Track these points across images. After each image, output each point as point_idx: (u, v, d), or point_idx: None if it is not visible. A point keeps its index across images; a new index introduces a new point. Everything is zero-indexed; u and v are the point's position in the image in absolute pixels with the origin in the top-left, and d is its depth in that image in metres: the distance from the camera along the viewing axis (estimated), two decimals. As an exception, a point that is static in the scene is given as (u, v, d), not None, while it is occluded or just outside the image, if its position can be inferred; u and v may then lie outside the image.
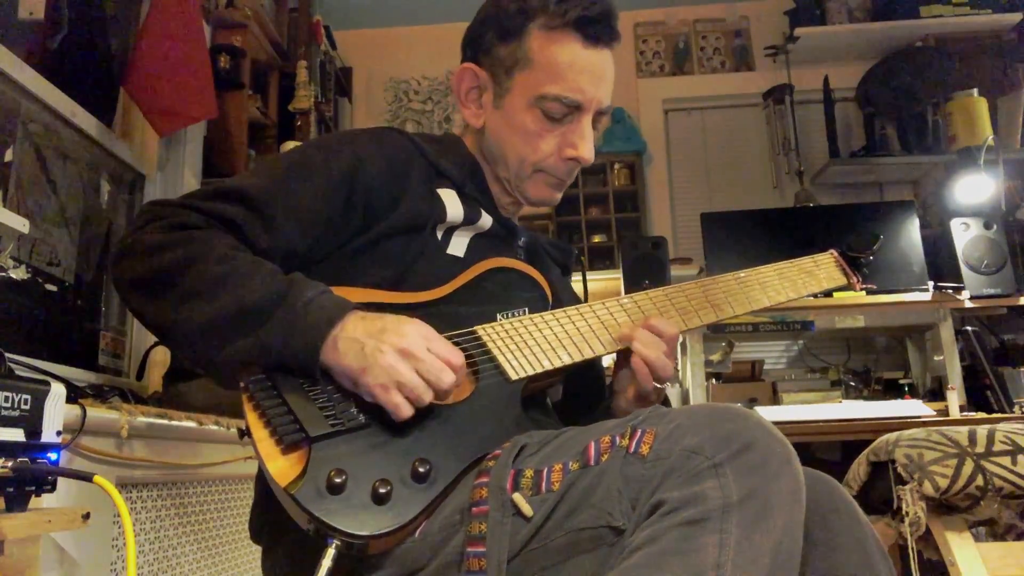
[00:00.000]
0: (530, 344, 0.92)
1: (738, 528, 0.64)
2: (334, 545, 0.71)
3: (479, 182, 1.04)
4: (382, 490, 0.73)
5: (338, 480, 0.72)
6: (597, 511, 0.70)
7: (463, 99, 1.05)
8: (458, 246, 0.99)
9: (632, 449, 0.71)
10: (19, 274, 1.61)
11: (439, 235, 0.98)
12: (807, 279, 1.16)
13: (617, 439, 0.73)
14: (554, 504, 0.72)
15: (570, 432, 0.80)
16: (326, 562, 0.71)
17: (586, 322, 0.97)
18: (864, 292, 1.21)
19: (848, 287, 1.21)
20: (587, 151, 0.99)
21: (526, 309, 0.97)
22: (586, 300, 1.14)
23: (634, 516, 0.68)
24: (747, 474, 0.66)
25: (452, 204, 0.99)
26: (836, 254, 1.22)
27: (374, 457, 0.77)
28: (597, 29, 0.97)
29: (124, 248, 0.85)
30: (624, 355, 0.98)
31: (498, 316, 0.94)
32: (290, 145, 2.60)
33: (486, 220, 1.02)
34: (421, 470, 0.76)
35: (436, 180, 1.00)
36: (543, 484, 0.74)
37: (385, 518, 0.73)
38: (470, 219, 1.00)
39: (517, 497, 0.74)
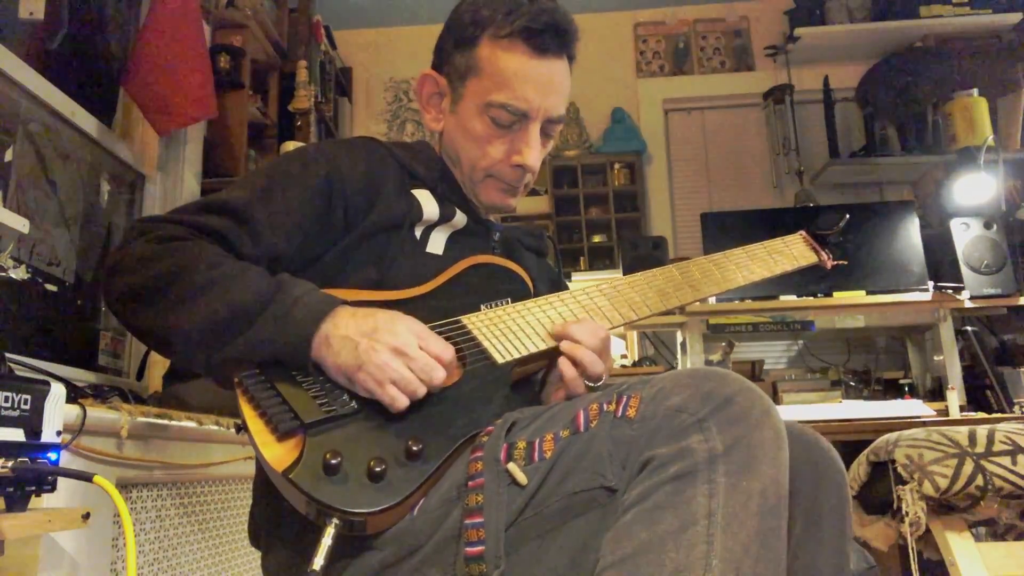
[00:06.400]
0: (514, 329, 0.95)
1: (725, 477, 0.67)
2: (333, 524, 0.73)
3: (450, 183, 1.07)
4: (377, 468, 0.75)
5: (334, 461, 0.73)
6: (589, 473, 0.73)
7: (424, 104, 1.10)
8: (436, 244, 1.02)
9: (619, 413, 0.74)
10: (19, 274, 1.61)
11: (417, 234, 1.01)
12: (778, 258, 1.21)
13: (604, 405, 0.76)
14: (547, 471, 0.75)
15: (558, 406, 0.83)
16: (326, 540, 0.72)
17: (568, 307, 1.00)
18: (834, 268, 1.27)
19: (820, 264, 1.25)
20: (532, 158, 1.02)
21: (509, 300, 1.01)
22: (559, 270, 1.20)
23: (624, 475, 0.71)
24: (730, 426, 0.69)
25: (427, 203, 1.03)
26: (804, 234, 1.27)
27: (368, 439, 0.79)
28: (544, 40, 0.99)
29: (113, 264, 0.87)
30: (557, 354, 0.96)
31: (482, 307, 0.98)
32: (290, 145, 2.61)
33: (461, 218, 1.06)
34: (415, 449, 0.78)
35: (410, 182, 1.04)
36: (536, 453, 0.77)
37: (382, 495, 0.75)
38: (446, 217, 1.04)
39: (512, 467, 0.76)
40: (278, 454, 0.75)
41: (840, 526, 0.82)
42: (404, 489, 0.76)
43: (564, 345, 0.92)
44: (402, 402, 0.79)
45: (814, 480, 0.81)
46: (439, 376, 0.81)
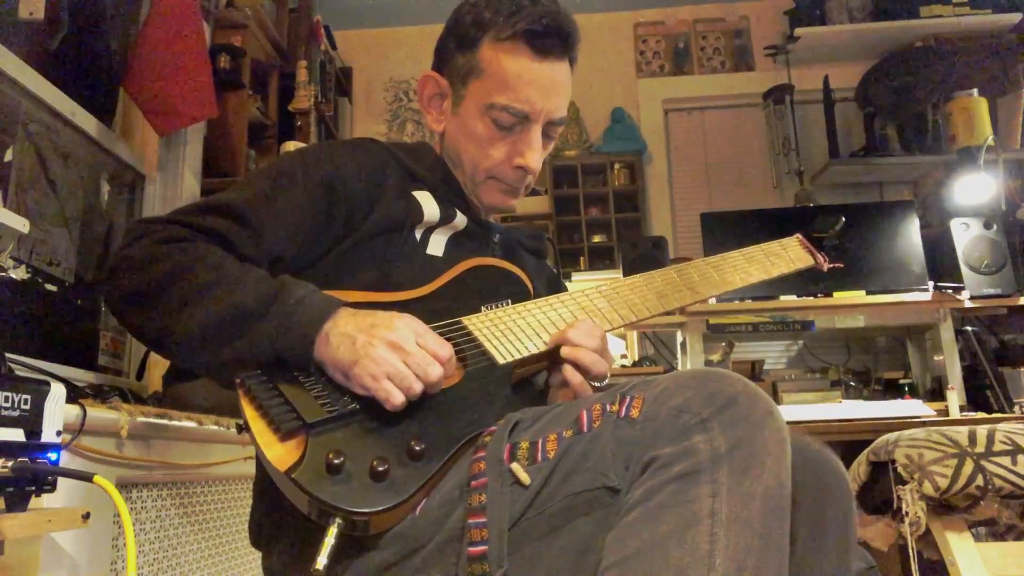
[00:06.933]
0: (514, 330, 0.95)
1: (728, 477, 0.66)
2: (336, 524, 0.73)
3: (451, 184, 1.07)
4: (380, 468, 0.75)
5: (336, 461, 0.73)
6: (592, 474, 0.73)
7: (426, 105, 1.10)
8: (436, 246, 1.02)
9: (622, 414, 0.74)
10: (19, 274, 1.61)
11: (418, 236, 1.01)
12: (775, 261, 1.21)
13: (607, 406, 0.76)
14: (550, 471, 0.75)
15: (562, 406, 0.83)
16: (329, 540, 0.72)
17: (567, 308, 1.01)
18: (831, 271, 1.27)
19: (816, 267, 1.26)
20: (533, 161, 1.03)
21: (509, 301, 1.01)
22: (558, 272, 1.20)
23: (627, 475, 0.71)
24: (733, 426, 0.69)
25: (428, 205, 1.02)
26: (801, 237, 1.28)
27: (370, 439, 0.79)
28: (546, 42, 0.99)
29: (114, 266, 0.87)
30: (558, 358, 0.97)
31: (482, 308, 0.98)
32: (290, 145, 2.61)
33: (461, 219, 1.05)
34: (417, 448, 0.78)
35: (411, 183, 1.04)
36: (539, 453, 0.77)
37: (384, 495, 0.74)
38: (446, 218, 1.04)
39: (515, 467, 0.76)
40: (280, 454, 0.75)
41: (844, 540, 0.82)
42: (407, 489, 0.76)
43: (565, 350, 0.92)
44: (397, 398, 0.78)
45: (819, 492, 0.81)
46: (435, 372, 0.80)
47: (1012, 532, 1.48)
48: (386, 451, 0.77)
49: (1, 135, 1.61)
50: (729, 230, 2.61)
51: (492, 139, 1.03)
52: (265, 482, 0.92)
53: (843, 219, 1.28)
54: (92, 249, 1.93)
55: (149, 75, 2.03)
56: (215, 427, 1.53)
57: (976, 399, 2.43)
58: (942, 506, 1.41)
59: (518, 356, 0.92)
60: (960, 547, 1.38)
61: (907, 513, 1.38)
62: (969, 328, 2.53)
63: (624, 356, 3.02)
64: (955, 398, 2.29)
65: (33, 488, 0.90)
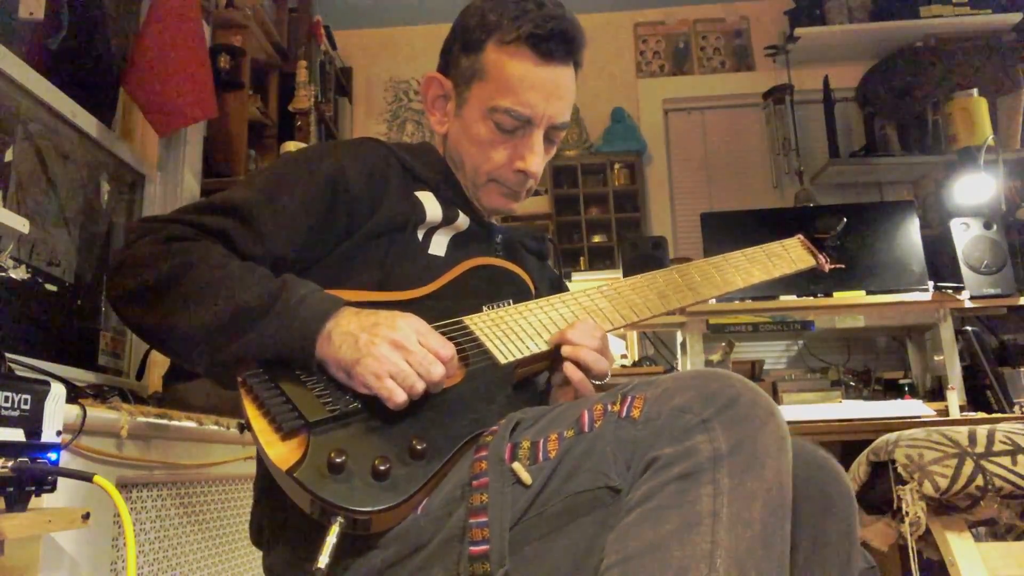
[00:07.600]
0: (516, 330, 0.95)
1: (729, 477, 0.67)
2: (338, 523, 0.73)
3: (453, 184, 1.07)
4: (382, 467, 0.75)
5: (338, 460, 0.74)
6: (593, 474, 0.73)
7: (429, 106, 1.10)
8: (438, 246, 1.02)
9: (624, 414, 0.74)
10: (19, 274, 1.61)
11: (419, 236, 1.01)
12: (777, 261, 1.21)
13: (609, 406, 0.76)
14: (551, 471, 0.75)
15: (563, 406, 0.83)
16: (330, 539, 0.72)
17: (569, 309, 1.01)
18: (832, 271, 1.27)
19: (818, 268, 1.26)
20: (534, 164, 1.03)
21: (510, 301, 1.01)
22: (559, 274, 1.21)
23: (628, 475, 0.71)
24: (734, 426, 0.69)
25: (431, 205, 1.03)
26: (802, 237, 1.28)
27: (372, 438, 0.79)
28: (550, 46, 0.99)
29: (117, 264, 0.87)
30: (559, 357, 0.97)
31: (484, 308, 0.98)
32: (290, 145, 2.61)
33: (463, 220, 1.06)
34: (418, 448, 0.78)
35: (413, 184, 1.04)
36: (540, 453, 0.77)
37: (386, 494, 0.75)
38: (448, 219, 1.04)
39: (516, 466, 0.76)
40: (282, 453, 0.76)
41: (847, 554, 0.81)
42: (408, 488, 0.76)
43: (565, 350, 0.93)
44: (399, 396, 0.79)
45: (823, 506, 0.81)
46: (437, 371, 0.80)
47: (1012, 532, 1.48)
48: (388, 450, 0.78)
49: (1, 135, 1.61)
50: (729, 230, 2.61)
51: (494, 142, 1.03)
52: (266, 481, 0.92)
53: (845, 220, 1.28)
54: (92, 249, 1.93)
55: (149, 75, 2.03)
56: (215, 427, 1.53)
57: (976, 399, 2.43)
58: (942, 506, 1.41)
59: (519, 356, 0.92)
60: (960, 547, 1.38)
61: (907, 513, 1.38)
62: (969, 328, 2.53)
63: (624, 356, 3.02)
64: (955, 398, 2.28)
65: (33, 488, 0.90)
